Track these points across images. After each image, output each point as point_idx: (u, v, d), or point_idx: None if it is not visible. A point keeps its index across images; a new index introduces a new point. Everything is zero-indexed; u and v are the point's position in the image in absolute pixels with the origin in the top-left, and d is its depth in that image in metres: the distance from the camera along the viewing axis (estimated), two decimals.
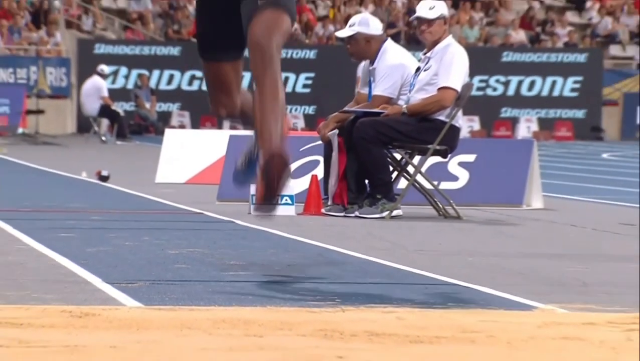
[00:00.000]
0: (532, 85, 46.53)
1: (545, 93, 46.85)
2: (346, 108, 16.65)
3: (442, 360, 6.02)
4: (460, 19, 47.40)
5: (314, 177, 16.57)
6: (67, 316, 7.50)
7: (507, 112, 45.09)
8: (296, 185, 16.42)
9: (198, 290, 9.51)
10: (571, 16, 52.48)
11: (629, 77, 49.40)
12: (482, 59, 40.38)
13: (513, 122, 44.27)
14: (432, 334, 7.07)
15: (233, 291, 9.40)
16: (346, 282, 10.12)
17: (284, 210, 16.03)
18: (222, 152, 19.63)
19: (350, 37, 16.60)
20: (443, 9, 16.78)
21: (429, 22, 16.34)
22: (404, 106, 16.12)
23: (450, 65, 16.10)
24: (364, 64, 16.84)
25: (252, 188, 16.54)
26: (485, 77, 43.59)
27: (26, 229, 13.49)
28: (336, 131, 16.23)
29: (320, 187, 16.42)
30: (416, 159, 16.37)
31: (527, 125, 43.09)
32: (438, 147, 16.06)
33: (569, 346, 6.88)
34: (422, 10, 16.54)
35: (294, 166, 17.14)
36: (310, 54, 45.55)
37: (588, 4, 51.99)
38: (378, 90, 16.37)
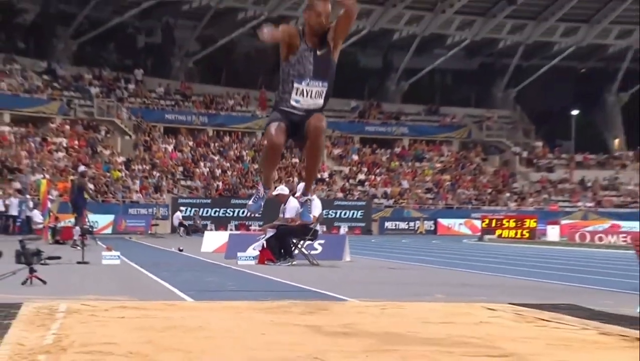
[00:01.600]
0: (345, 214, 46.34)
1: (350, 217, 46.68)
2: (274, 222, 16.43)
3: (311, 321, 5.65)
4: (316, 189, 47.16)
5: (261, 250, 16.33)
6: (166, 306, 7.27)
7: (336, 224, 44.69)
8: (254, 252, 16.21)
9: (216, 294, 9.27)
10: (358, 188, 52.53)
11: (380, 211, 49.30)
12: (327, 204, 40.13)
13: (339, 228, 43.86)
14: (306, 311, 6.91)
15: (232, 295, 9.16)
16: (275, 290, 9.89)
17: (250, 262, 15.75)
18: (226, 239, 19.45)
19: (277, 195, 16.46)
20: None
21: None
22: (298, 222, 15.91)
23: (315, 207, 15.93)
24: (282, 204, 16.61)
25: (239, 255, 16.58)
26: (328, 211, 43.20)
27: (150, 270, 13.18)
28: (272, 230, 16.10)
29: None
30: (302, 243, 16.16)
31: (344, 229, 42.73)
32: (310, 237, 15.91)
33: (362, 317, 6.72)
34: (299, 191, 16.35)
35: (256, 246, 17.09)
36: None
37: (366, 184, 52.22)
38: (287, 215, 16.16)
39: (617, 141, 61.85)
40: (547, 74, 59.74)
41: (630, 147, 59.42)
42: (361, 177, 53.06)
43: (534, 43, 57.98)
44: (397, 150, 56.49)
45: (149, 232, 39.19)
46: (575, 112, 57.30)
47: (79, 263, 14.30)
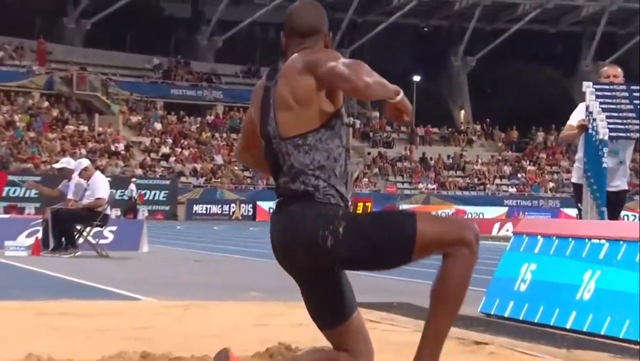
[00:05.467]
0: (144, 195, 45.61)
1: (151, 199, 45.94)
2: (55, 205, 15.96)
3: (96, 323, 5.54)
4: (104, 166, 46.30)
5: (37, 239, 15.77)
6: None
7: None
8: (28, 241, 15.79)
9: None
10: (161, 164, 51.97)
11: (189, 192, 48.89)
12: (122, 183, 39.26)
13: (136, 212, 43.04)
14: (90, 313, 6.78)
15: None
16: (53, 288, 9.67)
17: (22, 253, 15.22)
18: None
19: (60, 169, 16.09)
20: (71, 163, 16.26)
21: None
22: (84, 205, 15.47)
23: (100, 187, 15.49)
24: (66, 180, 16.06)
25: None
26: (123, 191, 42.10)
27: None
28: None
29: (40, 244, 15.57)
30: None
31: (143, 213, 41.92)
32: (98, 223, 15.53)
33: (160, 319, 6.66)
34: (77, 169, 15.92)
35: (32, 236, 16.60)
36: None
37: (171, 159, 51.72)
38: (71, 195, 15.61)
39: (462, 112, 64.46)
40: (385, 32, 61.34)
41: (477, 119, 62.02)
42: (165, 150, 52.68)
43: None
44: (210, 118, 56.50)
45: None
46: (416, 78, 59.24)
47: None
